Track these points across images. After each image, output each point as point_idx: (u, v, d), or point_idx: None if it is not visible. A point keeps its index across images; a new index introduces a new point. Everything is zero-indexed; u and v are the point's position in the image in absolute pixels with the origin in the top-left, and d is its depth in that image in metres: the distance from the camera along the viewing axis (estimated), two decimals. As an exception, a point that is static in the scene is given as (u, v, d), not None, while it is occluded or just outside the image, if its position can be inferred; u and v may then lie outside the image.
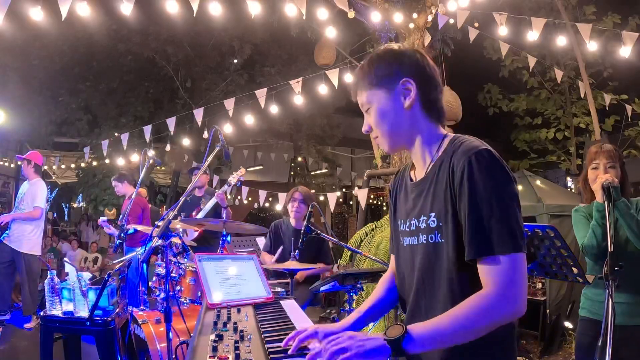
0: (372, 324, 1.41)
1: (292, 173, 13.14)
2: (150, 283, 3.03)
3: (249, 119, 6.88)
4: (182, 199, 2.30)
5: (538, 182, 5.85)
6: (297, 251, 3.03)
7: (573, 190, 9.17)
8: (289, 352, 1.15)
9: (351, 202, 14.67)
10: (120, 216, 4.93)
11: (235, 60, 10.56)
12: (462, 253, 1.09)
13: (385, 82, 1.21)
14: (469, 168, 1.06)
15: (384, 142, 1.26)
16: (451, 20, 5.11)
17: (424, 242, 1.18)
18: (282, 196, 5.76)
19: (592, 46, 5.00)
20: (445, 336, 1.02)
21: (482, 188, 1.04)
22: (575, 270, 2.02)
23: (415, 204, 1.23)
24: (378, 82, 1.21)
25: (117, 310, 2.82)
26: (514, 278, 1.01)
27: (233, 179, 4.61)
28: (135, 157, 8.30)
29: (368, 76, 1.22)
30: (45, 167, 10.26)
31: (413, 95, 1.19)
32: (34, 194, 4.88)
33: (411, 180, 1.29)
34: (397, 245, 1.34)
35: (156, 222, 3.41)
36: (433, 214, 1.15)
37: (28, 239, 4.88)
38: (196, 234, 4.74)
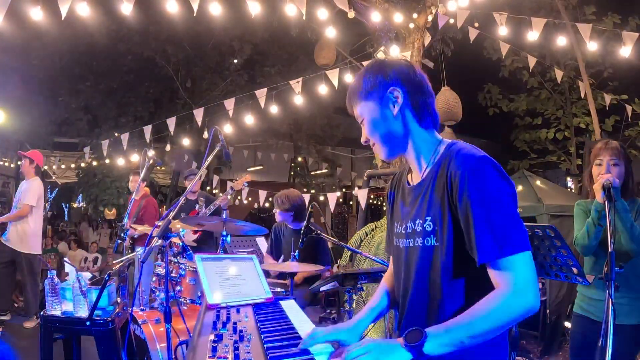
0: (371, 325, 1.43)
1: (292, 173, 13.15)
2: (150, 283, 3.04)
3: (249, 119, 6.87)
4: (181, 199, 2.30)
5: (538, 182, 5.85)
6: (296, 251, 3.03)
7: (573, 190, 9.18)
8: (310, 348, 1.18)
9: (351, 202, 14.68)
10: (133, 217, 4.89)
11: (235, 60, 10.56)
12: (457, 257, 1.14)
13: (373, 93, 1.25)
14: (470, 175, 1.09)
15: (380, 151, 1.30)
16: (451, 20, 5.11)
17: (420, 245, 1.22)
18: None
19: (592, 46, 5.00)
20: (465, 337, 1.03)
21: (486, 193, 1.07)
22: (575, 270, 2.02)
23: (412, 208, 1.26)
24: (367, 94, 1.26)
25: (117, 310, 2.82)
26: (528, 275, 1.05)
27: (237, 184, 4.61)
28: (135, 157, 8.30)
29: (358, 90, 1.27)
30: (45, 167, 10.25)
31: (400, 101, 1.23)
32: (27, 192, 4.88)
33: (408, 184, 1.33)
34: (391, 246, 1.38)
35: (156, 222, 3.40)
36: (429, 218, 1.19)
37: (27, 239, 4.87)
38: (195, 236, 4.74)
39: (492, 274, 1.08)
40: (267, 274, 3.41)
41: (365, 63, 5.57)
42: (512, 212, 1.07)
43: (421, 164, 1.27)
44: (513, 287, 1.04)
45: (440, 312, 1.13)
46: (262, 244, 4.54)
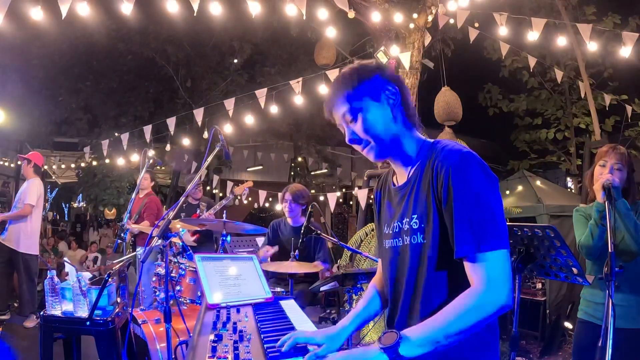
0: (372, 322, 1.42)
1: (292, 173, 13.14)
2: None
3: (249, 119, 6.87)
4: (181, 199, 2.30)
5: (538, 183, 5.85)
6: (296, 251, 3.03)
7: (573, 191, 9.17)
8: (283, 349, 1.17)
9: (351, 202, 14.67)
10: (135, 215, 4.85)
11: (235, 60, 10.57)
12: (444, 253, 1.13)
13: (369, 90, 1.23)
14: (454, 170, 1.10)
15: (372, 151, 1.25)
16: (451, 20, 5.12)
17: (407, 243, 1.21)
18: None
19: (592, 46, 5.00)
20: (440, 337, 1.04)
21: (468, 189, 1.08)
22: (575, 270, 2.02)
23: (399, 208, 1.26)
24: (362, 91, 1.23)
25: (117, 310, 2.82)
26: (501, 273, 1.06)
27: (238, 190, 4.60)
28: (135, 157, 8.30)
29: (350, 86, 1.23)
30: (45, 167, 10.26)
31: (398, 99, 1.24)
32: (27, 192, 4.88)
33: (394, 185, 1.33)
34: (380, 248, 1.37)
35: (156, 222, 3.40)
36: (415, 216, 1.19)
37: (25, 238, 4.87)
38: (193, 238, 4.74)
39: (468, 269, 1.09)
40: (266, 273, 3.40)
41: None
42: (493, 210, 1.08)
43: (406, 164, 1.27)
44: (486, 284, 1.04)
45: (430, 309, 1.13)
46: (261, 243, 4.54)
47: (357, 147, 1.26)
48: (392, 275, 1.29)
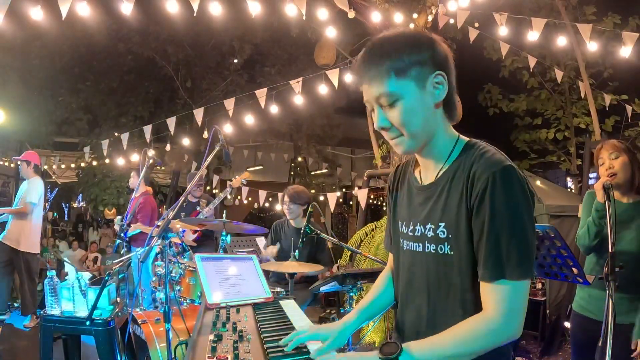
0: (372, 322, 1.41)
1: (292, 173, 13.14)
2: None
3: (249, 119, 6.87)
4: (182, 199, 2.30)
5: (538, 183, 5.85)
6: (296, 251, 3.04)
7: (573, 191, 9.18)
8: (285, 349, 1.17)
9: (351, 202, 14.67)
10: (129, 215, 4.78)
11: (236, 60, 10.57)
12: (474, 267, 1.07)
13: (414, 72, 1.04)
14: (492, 185, 1.01)
15: (406, 143, 1.10)
16: (451, 21, 5.11)
17: (432, 251, 1.14)
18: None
19: (592, 46, 4.99)
20: (443, 357, 1.02)
21: (504, 209, 1.00)
22: (575, 270, 2.03)
23: (422, 209, 1.17)
24: (406, 71, 1.04)
25: (116, 310, 2.82)
26: (519, 304, 1.02)
27: (236, 182, 4.61)
28: (135, 157, 8.29)
29: (398, 61, 1.03)
30: (45, 167, 10.26)
31: (444, 92, 1.09)
32: (28, 191, 4.89)
33: (416, 180, 1.23)
34: (397, 246, 1.29)
35: (156, 222, 3.40)
36: (443, 224, 1.10)
37: (27, 238, 4.87)
38: (194, 236, 4.74)
39: (486, 292, 1.03)
40: (266, 273, 3.40)
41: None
42: (526, 235, 1.01)
43: (436, 162, 1.15)
44: (503, 314, 1.01)
45: (446, 325, 1.07)
46: (262, 244, 4.54)
47: (385, 134, 1.11)
48: (407, 280, 1.23)
